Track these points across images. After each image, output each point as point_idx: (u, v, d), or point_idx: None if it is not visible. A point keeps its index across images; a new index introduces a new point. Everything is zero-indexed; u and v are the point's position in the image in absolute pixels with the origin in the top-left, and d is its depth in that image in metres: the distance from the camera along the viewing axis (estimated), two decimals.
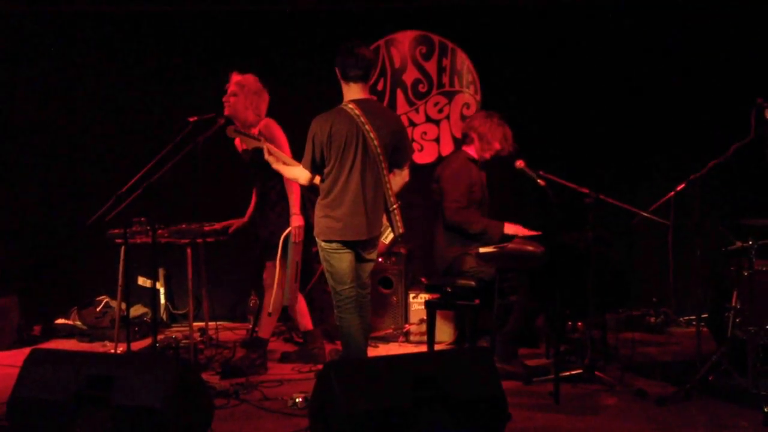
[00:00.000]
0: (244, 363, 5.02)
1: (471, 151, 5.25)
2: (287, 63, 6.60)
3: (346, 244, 4.27)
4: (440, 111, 6.70)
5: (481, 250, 4.58)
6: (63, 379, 3.38)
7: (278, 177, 4.85)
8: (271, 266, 5.10)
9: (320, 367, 4.79)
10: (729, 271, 4.62)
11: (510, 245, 4.57)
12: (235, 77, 5.09)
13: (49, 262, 6.66)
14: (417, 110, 6.71)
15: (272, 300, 5.00)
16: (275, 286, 4.99)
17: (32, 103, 6.69)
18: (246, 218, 5.40)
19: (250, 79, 5.09)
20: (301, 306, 5.30)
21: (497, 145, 5.17)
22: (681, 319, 6.27)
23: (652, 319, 6.21)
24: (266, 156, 4.47)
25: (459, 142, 6.51)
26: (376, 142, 4.23)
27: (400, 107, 6.69)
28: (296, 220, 4.94)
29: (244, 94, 5.03)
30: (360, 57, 4.26)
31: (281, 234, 4.96)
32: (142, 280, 6.59)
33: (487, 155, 5.22)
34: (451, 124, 6.68)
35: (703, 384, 4.37)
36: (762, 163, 4.26)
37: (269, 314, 5.08)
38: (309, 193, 4.81)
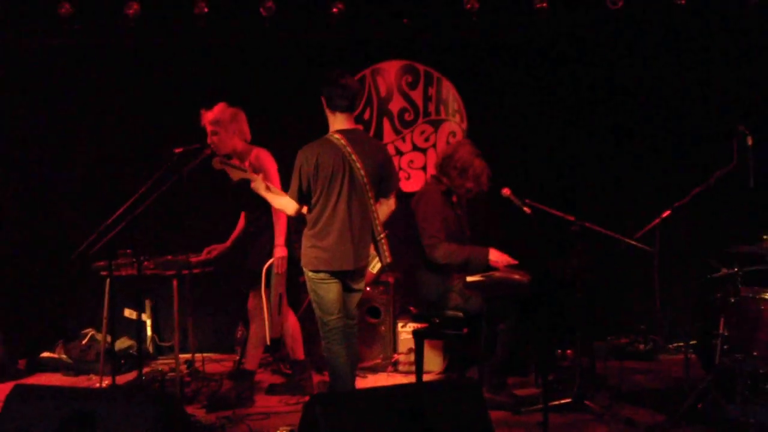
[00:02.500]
0: (230, 395, 4.97)
1: (446, 180, 5.03)
2: (273, 93, 6.60)
3: (334, 274, 4.26)
4: (427, 139, 6.72)
5: (468, 278, 4.57)
6: (46, 415, 3.32)
7: (265, 207, 4.84)
8: (254, 296, 5.08)
9: (308, 399, 4.75)
10: (715, 298, 4.63)
11: (497, 273, 4.57)
12: (207, 116, 5.04)
13: (34, 294, 6.58)
14: (404, 139, 6.73)
15: (267, 330, 4.97)
16: (265, 315, 4.96)
17: (14, 136, 6.65)
18: (228, 243, 5.38)
19: (221, 111, 5.06)
20: (296, 333, 5.26)
21: (471, 185, 4.97)
22: (670, 346, 6.24)
23: (641, 347, 6.19)
24: (252, 185, 4.47)
25: None
26: (362, 172, 4.24)
27: (386, 136, 6.71)
28: (279, 251, 4.92)
29: (223, 128, 5.02)
30: (346, 87, 4.28)
31: (264, 264, 4.94)
32: (128, 312, 6.52)
33: (461, 192, 5.00)
34: (437, 152, 6.68)
35: (692, 412, 4.34)
36: (745, 190, 4.29)
37: (267, 344, 5.07)
38: (297, 223, 4.80)
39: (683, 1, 6.19)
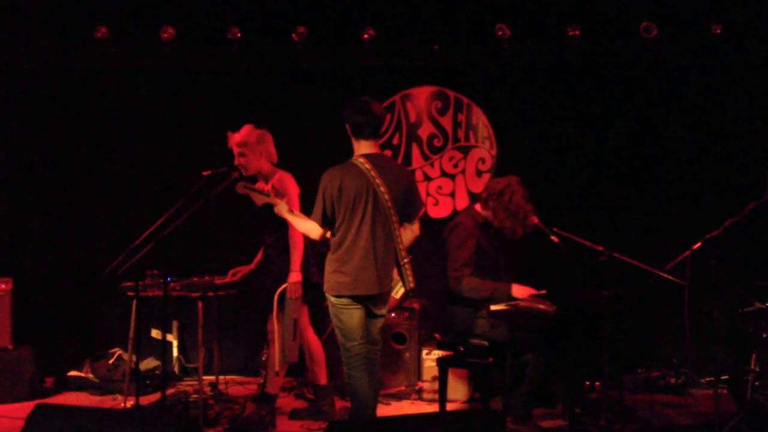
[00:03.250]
0: (252, 419, 4.95)
1: (486, 213, 4.94)
2: (304, 118, 6.64)
3: (356, 299, 4.24)
4: (455, 165, 6.69)
5: (492, 307, 4.51)
6: None
7: (284, 230, 4.85)
8: (272, 319, 5.08)
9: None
10: (747, 333, 4.51)
11: (521, 303, 4.50)
12: (234, 138, 5.08)
13: (63, 313, 6.63)
14: (432, 165, 6.71)
15: (276, 357, 4.95)
16: (276, 340, 4.95)
17: (46, 158, 6.75)
18: (252, 266, 5.40)
19: (248, 132, 5.09)
20: (319, 357, 5.24)
21: (520, 228, 4.84)
22: (702, 380, 6.08)
23: (673, 380, 6.05)
24: (275, 209, 4.47)
25: (474, 197, 6.52)
26: (386, 197, 4.23)
27: (415, 161, 6.70)
28: (293, 276, 4.92)
29: (250, 150, 5.06)
30: (371, 113, 4.29)
31: (278, 289, 4.95)
32: (155, 333, 6.55)
33: (505, 230, 4.88)
34: (466, 179, 6.66)
35: None
36: None
37: (276, 373, 5.02)
38: (322, 247, 4.78)
39: (718, 30, 6.13)
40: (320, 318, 5.55)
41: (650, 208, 6.45)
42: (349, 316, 4.25)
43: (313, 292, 4.98)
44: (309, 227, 4.36)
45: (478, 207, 5.03)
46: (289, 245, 4.93)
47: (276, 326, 4.92)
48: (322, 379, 5.24)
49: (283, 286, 4.92)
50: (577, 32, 6.26)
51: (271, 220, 4.74)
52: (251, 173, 5.08)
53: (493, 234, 4.97)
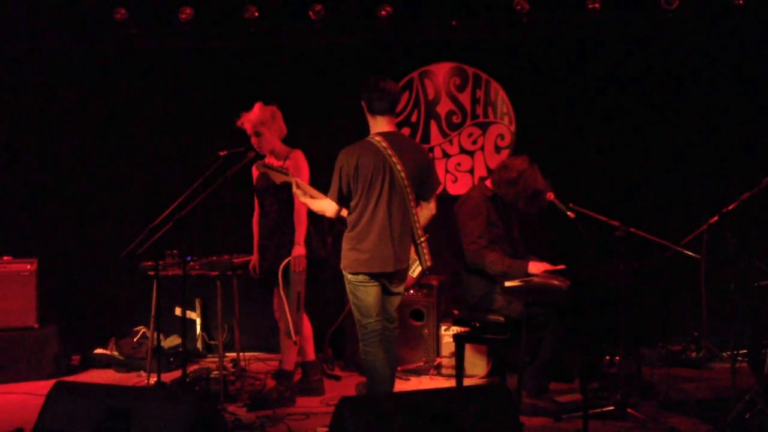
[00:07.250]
0: (271, 395, 5.02)
1: (503, 191, 4.95)
2: (323, 96, 6.65)
3: (373, 276, 4.26)
4: (474, 142, 6.67)
5: (507, 283, 4.51)
6: (84, 412, 3.42)
7: (289, 206, 4.91)
8: (278, 294, 5.14)
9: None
10: (764, 307, 4.48)
11: (535, 279, 4.50)
12: (249, 117, 5.09)
13: (88, 293, 6.76)
14: (451, 141, 6.69)
15: (291, 327, 5.01)
16: (287, 314, 5.00)
17: (68, 140, 6.84)
18: (255, 254, 5.33)
19: (262, 110, 5.11)
20: (307, 332, 5.29)
21: (535, 209, 4.88)
22: (724, 354, 6.05)
23: (693, 354, 6.03)
24: (294, 189, 4.50)
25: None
26: (402, 175, 4.24)
27: (433, 138, 6.69)
28: (297, 250, 4.98)
29: (267, 128, 5.08)
30: (385, 91, 4.29)
31: (281, 262, 5.01)
32: (179, 311, 6.65)
33: (507, 199, 4.95)
34: (485, 155, 6.64)
35: (739, 422, 4.22)
36: None
37: (294, 342, 5.09)
38: (340, 225, 4.81)
39: (741, 1, 6.03)
40: (338, 293, 5.59)
41: (668, 182, 6.39)
42: (365, 293, 4.28)
43: (314, 267, 5.04)
44: (325, 205, 4.39)
45: (488, 183, 5.06)
46: (294, 220, 4.97)
47: (283, 299, 4.97)
48: (310, 355, 5.30)
49: (287, 259, 4.97)
50: (597, 5, 6.19)
51: (278, 195, 4.79)
52: (266, 151, 5.11)
53: (502, 206, 5.01)
